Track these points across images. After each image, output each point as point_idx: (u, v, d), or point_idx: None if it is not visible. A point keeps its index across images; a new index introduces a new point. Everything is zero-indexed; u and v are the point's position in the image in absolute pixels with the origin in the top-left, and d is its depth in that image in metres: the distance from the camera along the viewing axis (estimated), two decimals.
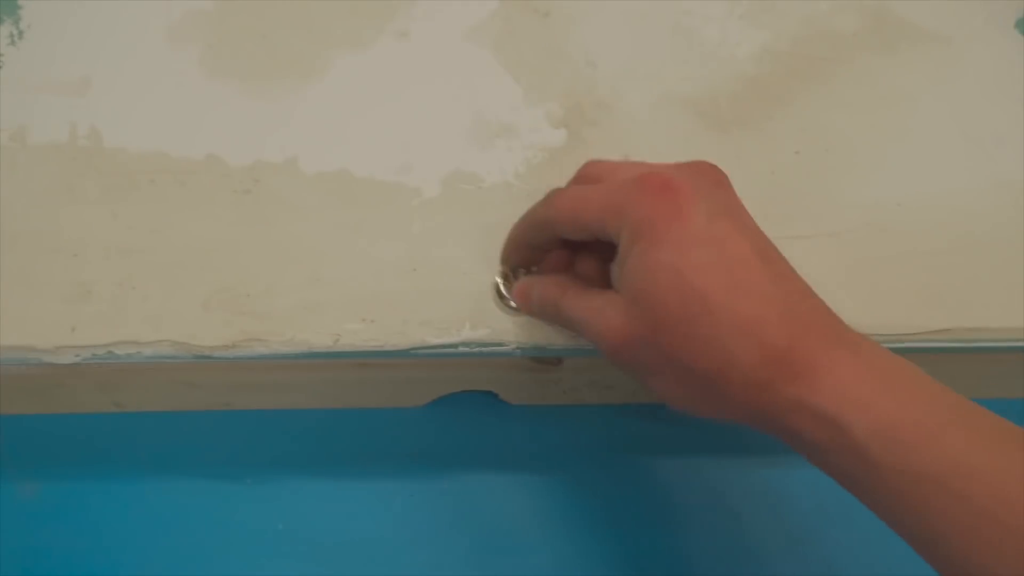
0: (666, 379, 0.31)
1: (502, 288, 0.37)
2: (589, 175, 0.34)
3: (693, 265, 0.29)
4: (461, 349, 0.37)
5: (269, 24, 0.44)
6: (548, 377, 0.42)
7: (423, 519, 0.41)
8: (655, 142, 0.42)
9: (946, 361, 0.39)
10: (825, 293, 0.37)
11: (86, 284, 0.37)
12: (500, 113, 0.42)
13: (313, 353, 0.36)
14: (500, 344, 0.37)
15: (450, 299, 0.37)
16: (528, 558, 0.41)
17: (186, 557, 0.40)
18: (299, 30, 0.44)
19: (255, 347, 0.36)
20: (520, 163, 0.41)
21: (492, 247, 0.38)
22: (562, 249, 0.35)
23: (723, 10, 0.45)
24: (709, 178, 0.31)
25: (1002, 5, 0.46)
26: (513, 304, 0.37)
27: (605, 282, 0.34)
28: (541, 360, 0.40)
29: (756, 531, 0.42)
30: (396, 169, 0.40)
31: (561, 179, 0.40)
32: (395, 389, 0.43)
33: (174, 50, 0.43)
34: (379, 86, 0.42)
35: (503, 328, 0.37)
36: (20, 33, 0.43)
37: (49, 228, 0.38)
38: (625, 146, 0.41)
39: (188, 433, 0.43)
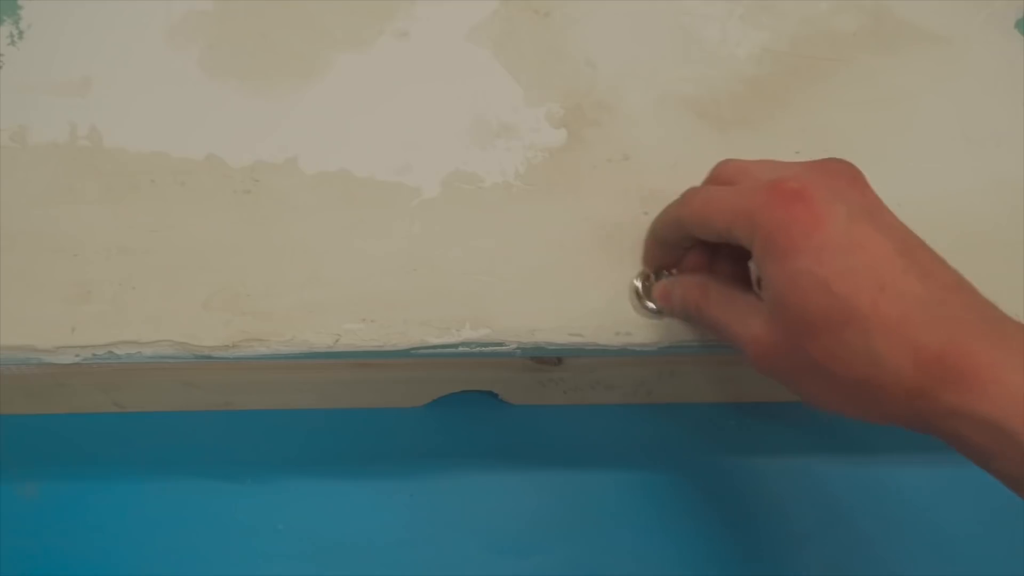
0: (814, 385, 0.30)
1: (640, 289, 0.37)
2: (722, 175, 0.34)
3: (835, 272, 0.28)
4: (461, 349, 0.37)
5: (269, 24, 0.44)
6: (548, 377, 0.42)
7: (423, 519, 0.41)
8: (655, 142, 0.42)
9: None
10: None
11: (86, 284, 0.37)
12: (500, 113, 0.42)
13: (313, 353, 0.36)
14: (500, 344, 0.37)
15: (450, 299, 0.37)
16: (529, 558, 0.41)
17: (186, 557, 0.40)
18: (299, 30, 0.44)
19: (255, 347, 0.36)
20: (520, 163, 0.41)
21: (497, 246, 0.38)
22: (700, 248, 0.35)
23: (723, 10, 0.45)
24: (843, 178, 0.31)
25: (1002, 5, 0.46)
26: (651, 306, 0.37)
27: (743, 281, 0.34)
28: (541, 360, 0.40)
29: (758, 531, 0.42)
30: (396, 169, 0.40)
31: (561, 179, 0.40)
32: (395, 389, 0.43)
33: (174, 50, 0.43)
34: (379, 86, 0.42)
35: (503, 328, 0.37)
36: (20, 33, 0.43)
37: (49, 228, 0.38)
38: (625, 146, 0.41)
39: (188, 433, 0.43)
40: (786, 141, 0.42)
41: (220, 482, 0.42)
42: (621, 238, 0.39)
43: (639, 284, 0.37)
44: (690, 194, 0.34)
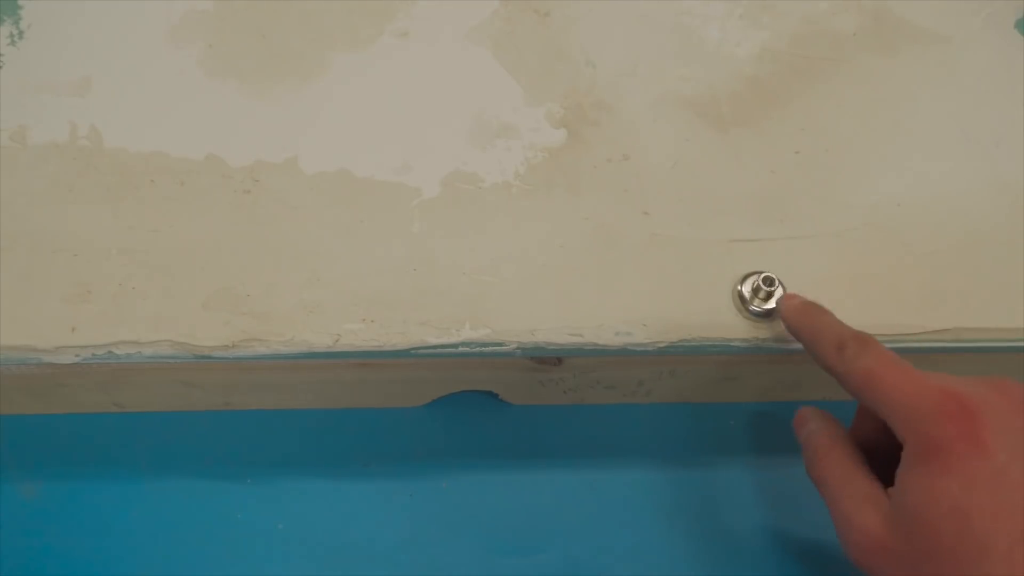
0: None
1: (742, 291, 0.38)
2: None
3: (979, 505, 0.27)
4: (461, 349, 0.37)
5: (269, 24, 0.44)
6: (548, 377, 0.42)
7: (423, 519, 0.41)
8: (655, 142, 0.42)
9: (946, 361, 0.39)
10: (825, 293, 0.37)
11: (86, 284, 0.37)
12: (500, 113, 0.42)
13: (313, 353, 0.36)
14: (500, 344, 0.37)
15: (450, 299, 0.37)
16: (528, 558, 0.41)
17: (186, 557, 0.40)
18: (299, 30, 0.44)
19: (255, 347, 0.36)
20: (520, 163, 0.41)
21: (497, 246, 0.38)
22: None
23: (723, 10, 0.45)
24: (1015, 400, 0.29)
25: (1002, 5, 0.46)
26: (752, 308, 0.37)
27: (883, 452, 0.32)
28: (541, 360, 0.40)
29: (758, 531, 0.42)
30: (396, 169, 0.40)
31: (562, 179, 0.40)
32: (395, 389, 0.43)
33: (174, 50, 0.43)
34: (379, 86, 0.42)
35: (503, 328, 0.37)
36: (20, 33, 0.43)
37: (49, 228, 0.38)
38: (625, 146, 0.41)
39: (188, 433, 0.43)
40: (786, 141, 0.42)
41: (220, 482, 0.42)
42: (621, 238, 0.39)
43: (742, 288, 0.37)
44: (853, 354, 0.32)
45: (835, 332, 0.33)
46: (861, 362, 0.32)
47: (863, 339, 0.33)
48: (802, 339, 0.35)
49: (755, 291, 0.37)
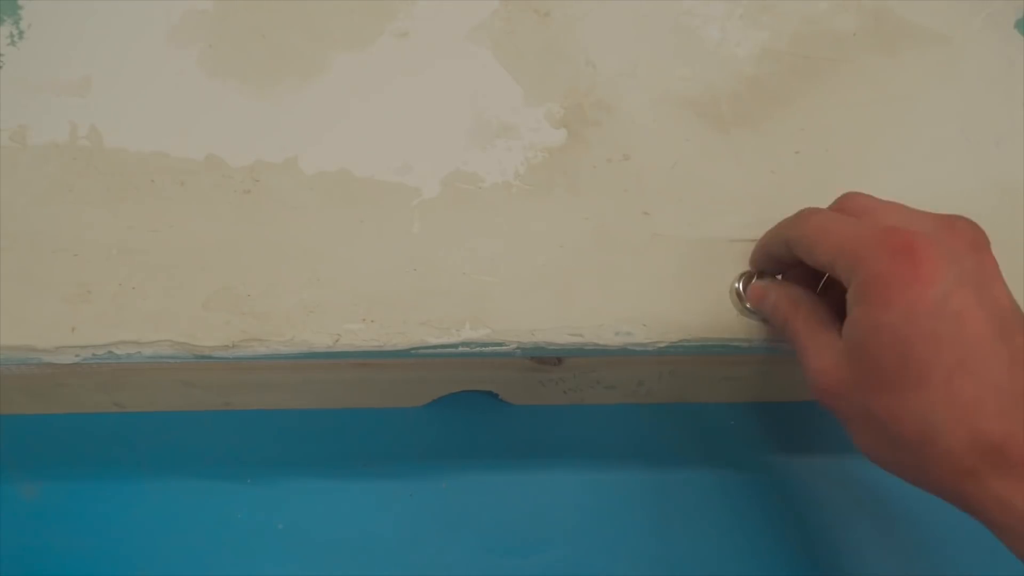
0: (866, 434, 0.30)
1: (740, 288, 0.37)
2: (847, 206, 0.33)
3: (920, 335, 0.28)
4: (461, 349, 0.37)
5: (269, 24, 0.44)
6: (548, 377, 0.42)
7: (423, 519, 0.41)
8: (655, 142, 0.42)
9: None
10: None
11: (86, 284, 0.37)
12: (500, 113, 0.42)
13: (313, 353, 0.36)
14: (500, 344, 0.37)
15: (450, 299, 0.37)
16: (528, 558, 0.41)
17: (186, 557, 0.40)
18: (299, 30, 0.44)
19: (255, 347, 0.36)
20: (520, 163, 0.41)
21: (497, 246, 0.38)
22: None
23: (723, 10, 0.45)
24: (964, 239, 0.30)
25: (1002, 5, 0.46)
26: (748, 305, 0.37)
27: (839, 310, 0.33)
28: (541, 360, 0.40)
29: (758, 530, 0.42)
30: (396, 169, 0.40)
31: (562, 179, 0.40)
32: (395, 389, 0.43)
33: (174, 50, 0.43)
34: (379, 86, 0.42)
35: (503, 328, 0.37)
36: (20, 33, 0.43)
37: (49, 228, 0.38)
38: (625, 146, 0.41)
39: (188, 433, 0.43)
40: (786, 141, 0.42)
41: (220, 482, 0.42)
42: (621, 238, 0.39)
43: (739, 285, 0.37)
44: (805, 216, 0.33)
45: (783, 224, 0.35)
46: (814, 220, 0.32)
47: (813, 208, 0.34)
48: (766, 252, 0.36)
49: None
